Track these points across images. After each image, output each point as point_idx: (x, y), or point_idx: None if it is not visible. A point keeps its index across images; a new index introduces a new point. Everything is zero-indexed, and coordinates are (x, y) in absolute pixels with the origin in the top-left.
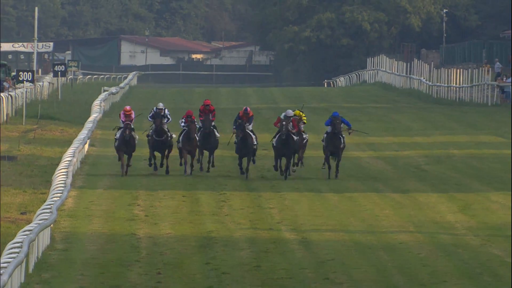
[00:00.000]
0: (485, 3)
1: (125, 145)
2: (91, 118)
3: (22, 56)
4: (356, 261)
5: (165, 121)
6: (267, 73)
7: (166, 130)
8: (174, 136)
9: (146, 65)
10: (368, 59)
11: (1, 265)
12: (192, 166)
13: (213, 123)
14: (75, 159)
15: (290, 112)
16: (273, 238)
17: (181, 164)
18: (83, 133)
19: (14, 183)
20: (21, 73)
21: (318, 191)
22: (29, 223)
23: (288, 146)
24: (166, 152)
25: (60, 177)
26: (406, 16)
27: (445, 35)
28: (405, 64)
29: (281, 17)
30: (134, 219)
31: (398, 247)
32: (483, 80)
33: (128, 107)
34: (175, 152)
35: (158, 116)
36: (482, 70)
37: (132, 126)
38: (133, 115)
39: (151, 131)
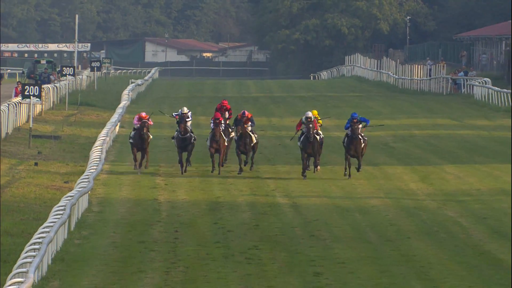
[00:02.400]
0: (440, 11)
1: (141, 140)
2: (121, 105)
3: (65, 55)
4: (336, 221)
5: (187, 119)
6: (264, 68)
7: (189, 130)
8: (194, 141)
9: (166, 62)
10: (346, 57)
11: (48, 224)
12: (220, 165)
13: (227, 122)
14: (108, 138)
15: (309, 113)
16: (269, 202)
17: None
18: (115, 117)
19: (58, 158)
20: (64, 68)
21: None
22: (71, 190)
23: (314, 146)
24: (189, 148)
25: (96, 152)
26: (377, 22)
27: (408, 37)
28: (376, 61)
29: (275, 23)
30: (156, 187)
31: (370, 209)
32: (439, 74)
33: (144, 114)
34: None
35: (182, 121)
36: (438, 66)
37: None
38: (150, 122)
39: (176, 132)
